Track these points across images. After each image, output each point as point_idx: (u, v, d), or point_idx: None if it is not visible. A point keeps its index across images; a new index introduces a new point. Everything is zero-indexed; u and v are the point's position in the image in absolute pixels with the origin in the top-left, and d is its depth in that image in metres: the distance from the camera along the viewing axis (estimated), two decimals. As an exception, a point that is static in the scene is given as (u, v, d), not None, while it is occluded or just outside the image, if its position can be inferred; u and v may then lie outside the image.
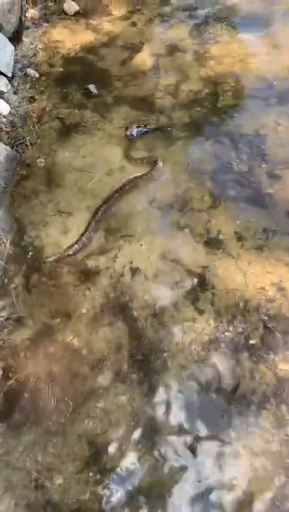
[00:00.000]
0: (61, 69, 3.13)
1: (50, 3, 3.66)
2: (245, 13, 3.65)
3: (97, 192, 2.47)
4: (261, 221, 2.39)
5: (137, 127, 2.77)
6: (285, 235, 2.34)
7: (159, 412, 1.80)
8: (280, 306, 2.08)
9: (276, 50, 3.36)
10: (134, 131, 2.74)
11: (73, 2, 3.65)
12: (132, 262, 2.21)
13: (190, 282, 2.15)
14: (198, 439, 1.73)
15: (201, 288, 2.13)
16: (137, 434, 1.75)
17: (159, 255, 2.23)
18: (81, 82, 3.04)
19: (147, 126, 2.76)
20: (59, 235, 2.28)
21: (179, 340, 1.95)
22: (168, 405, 1.82)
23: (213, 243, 2.30)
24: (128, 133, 2.73)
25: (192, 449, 1.70)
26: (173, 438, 1.73)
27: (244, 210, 2.43)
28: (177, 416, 1.79)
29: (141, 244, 2.27)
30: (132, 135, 2.73)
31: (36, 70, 3.08)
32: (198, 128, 2.83)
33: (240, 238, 2.32)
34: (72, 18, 3.55)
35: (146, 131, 2.74)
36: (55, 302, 2.05)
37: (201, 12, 3.64)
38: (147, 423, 1.78)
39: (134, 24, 3.52)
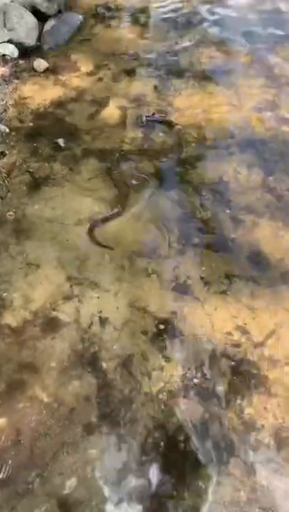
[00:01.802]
0: (31, 124, 3.25)
1: (20, 61, 3.82)
2: (207, 67, 3.89)
3: (67, 243, 2.53)
4: (225, 266, 2.49)
5: (146, 116, 3.24)
6: (248, 280, 2.43)
7: (130, 464, 1.80)
8: (246, 350, 2.14)
9: (237, 101, 3.58)
10: (144, 119, 3.23)
11: (43, 60, 3.83)
12: (100, 312, 2.25)
13: (158, 330, 2.19)
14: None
15: (168, 335, 2.18)
16: (106, 489, 1.74)
17: (127, 304, 2.28)
18: (50, 137, 3.16)
19: (155, 116, 3.21)
20: (28, 288, 2.31)
21: (147, 390, 1.98)
22: (138, 458, 1.82)
23: (180, 289, 2.36)
24: (139, 121, 3.20)
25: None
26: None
27: (209, 256, 2.53)
28: (149, 467, 1.79)
29: (109, 293, 2.31)
30: (143, 122, 3.20)
31: (6, 126, 3.19)
32: (163, 177, 2.96)
33: (206, 283, 2.40)
34: (41, 74, 3.72)
35: (154, 120, 3.20)
36: (23, 356, 2.06)
37: (165, 67, 3.85)
38: (118, 477, 1.77)
39: (101, 79, 3.70)
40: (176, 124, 3.17)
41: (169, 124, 3.25)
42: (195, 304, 2.29)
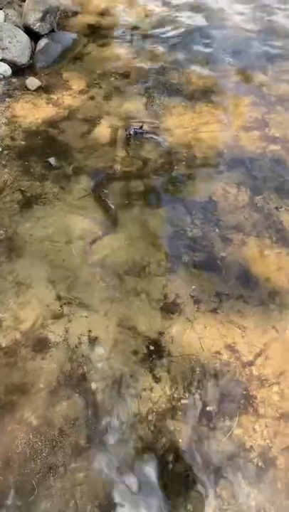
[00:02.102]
0: (23, 142, 3.28)
1: (13, 80, 3.87)
2: (197, 86, 3.96)
3: (58, 262, 2.55)
4: (215, 285, 2.51)
5: (134, 128, 3.39)
6: (237, 298, 2.45)
7: (120, 487, 1.80)
8: (235, 370, 2.16)
9: (225, 119, 3.64)
10: (132, 131, 3.37)
11: (35, 78, 3.88)
12: (90, 331, 2.25)
13: (147, 350, 2.21)
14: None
15: (158, 355, 2.19)
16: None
17: (117, 323, 2.30)
18: (42, 155, 3.19)
19: (142, 129, 3.39)
20: (18, 308, 2.32)
21: (136, 411, 1.99)
22: (127, 480, 1.82)
23: (169, 308, 2.38)
24: (127, 132, 3.37)
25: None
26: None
27: (198, 275, 2.55)
28: (138, 489, 1.79)
29: (98, 313, 2.32)
30: (130, 134, 3.36)
31: (-2, 144, 3.21)
32: (153, 196, 2.99)
33: (195, 302, 2.42)
34: (34, 93, 3.76)
35: (140, 133, 3.38)
36: (12, 378, 2.06)
37: (156, 86, 3.92)
38: (107, 499, 1.77)
39: (92, 98, 3.75)
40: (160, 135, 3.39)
41: (155, 135, 3.43)
42: (184, 323, 2.31)
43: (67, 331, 2.24)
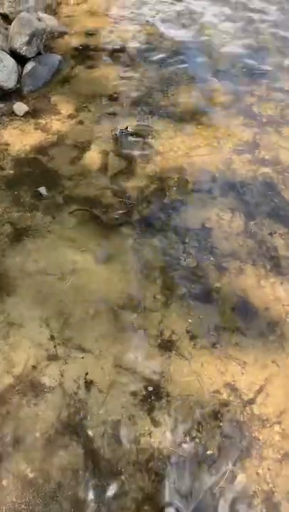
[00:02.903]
0: (11, 171, 3.22)
1: (0, 105, 3.81)
2: (186, 107, 3.94)
3: (50, 298, 2.49)
4: (211, 318, 2.46)
5: (120, 130, 3.57)
6: (234, 332, 2.41)
7: None
8: (235, 410, 2.11)
9: (216, 142, 3.62)
10: (118, 132, 3.55)
11: (23, 103, 3.83)
12: (86, 374, 2.19)
13: (145, 391, 2.15)
14: None
15: (156, 397, 2.13)
16: None
17: (113, 363, 2.24)
18: (32, 184, 3.14)
19: (128, 129, 3.59)
20: (10, 350, 2.25)
21: (135, 458, 1.92)
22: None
23: (166, 345, 2.33)
24: (113, 133, 3.52)
25: None
26: None
27: (195, 307, 2.50)
28: None
29: (94, 353, 2.26)
30: (117, 135, 3.52)
31: (-13, 174, 3.15)
32: (146, 224, 2.95)
33: (192, 337, 2.37)
34: (22, 118, 3.71)
35: (127, 133, 3.55)
36: (6, 427, 1.99)
37: (145, 108, 3.89)
38: None
39: (81, 122, 3.71)
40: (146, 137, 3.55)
41: (140, 136, 3.59)
42: (182, 361, 2.26)
43: (62, 374, 2.17)
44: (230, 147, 3.57)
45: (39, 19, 4.42)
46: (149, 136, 3.57)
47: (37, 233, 2.83)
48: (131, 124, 3.69)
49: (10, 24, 4.44)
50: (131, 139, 3.52)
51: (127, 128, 3.61)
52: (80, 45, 4.72)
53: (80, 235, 2.86)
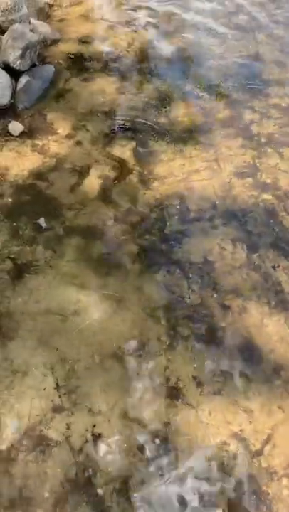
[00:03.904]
0: (10, 199, 3.15)
1: (-5, 124, 3.70)
2: (185, 126, 3.87)
3: (54, 343, 2.45)
4: (217, 361, 2.46)
5: (118, 126, 3.71)
6: (240, 377, 2.41)
7: None
8: (243, 462, 2.12)
9: (216, 165, 3.57)
10: (116, 128, 3.68)
11: (18, 122, 3.73)
12: (93, 426, 2.18)
13: (153, 443, 2.14)
14: None
15: (164, 449, 2.13)
16: None
17: (120, 414, 2.22)
18: (31, 214, 3.07)
19: (125, 125, 3.75)
20: (15, 402, 2.22)
21: (146, 519, 1.92)
22: None
23: (172, 393, 2.32)
24: (112, 128, 3.68)
25: None
26: None
27: (199, 350, 2.49)
28: None
29: (100, 403, 2.24)
30: (114, 130, 3.68)
31: (-16, 203, 3.07)
32: (148, 258, 2.91)
33: (198, 384, 2.36)
34: (17, 139, 3.61)
35: (125, 128, 3.71)
36: (13, 487, 1.97)
37: (143, 127, 3.81)
38: None
39: (79, 143, 3.63)
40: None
41: (136, 130, 3.73)
42: (188, 410, 2.26)
43: (68, 427, 2.15)
44: (230, 170, 3.53)
45: (32, 30, 4.27)
46: (150, 160, 3.50)
47: (38, 269, 2.78)
48: (129, 145, 3.60)
49: (2, 34, 4.29)
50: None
51: (124, 124, 3.73)
52: (74, 54, 4.59)
53: (82, 270, 2.81)
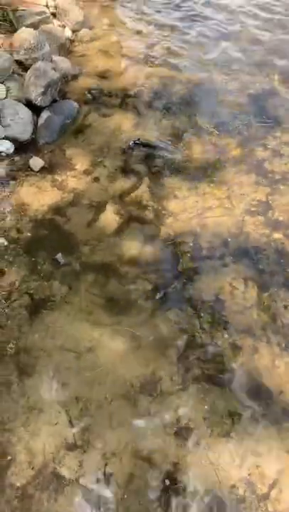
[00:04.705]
0: (29, 234, 3.27)
1: (16, 158, 3.86)
2: (199, 163, 3.99)
3: (68, 380, 2.53)
4: (227, 403, 2.51)
5: (133, 141, 4.01)
6: (250, 418, 2.45)
7: None
8: (251, 506, 2.16)
9: (228, 202, 3.67)
10: (131, 143, 3.99)
11: (38, 158, 3.88)
12: (105, 465, 2.24)
13: (163, 485, 2.20)
14: None
15: (174, 491, 2.18)
16: None
17: (131, 453, 2.29)
18: (49, 249, 3.19)
19: (139, 140, 4.02)
20: (30, 439, 2.30)
21: None
22: None
23: (183, 434, 2.38)
24: (127, 145, 3.99)
25: None
26: None
27: (210, 391, 2.55)
28: None
29: (113, 441, 2.30)
30: (130, 146, 3.99)
31: (5, 238, 3.20)
32: (161, 296, 2.99)
33: (209, 425, 2.42)
34: (38, 174, 3.75)
35: (139, 144, 4.01)
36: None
37: (158, 163, 3.93)
38: None
39: (97, 179, 3.76)
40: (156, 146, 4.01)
41: (150, 146, 4.01)
42: (199, 451, 2.31)
43: (81, 465, 2.22)
44: (243, 208, 3.62)
45: (54, 68, 4.46)
46: (164, 196, 3.61)
47: (54, 305, 2.88)
48: (145, 183, 3.73)
49: (25, 70, 4.49)
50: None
51: (139, 139, 4.00)
52: (93, 89, 4.76)
53: (96, 306, 2.91)
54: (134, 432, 2.35)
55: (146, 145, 4.01)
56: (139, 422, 2.39)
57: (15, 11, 4.90)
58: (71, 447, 2.29)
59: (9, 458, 2.22)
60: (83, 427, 2.36)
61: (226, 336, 2.80)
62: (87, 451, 2.28)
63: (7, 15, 4.85)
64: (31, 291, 2.95)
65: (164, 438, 2.35)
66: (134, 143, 4.01)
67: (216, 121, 4.41)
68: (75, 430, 2.35)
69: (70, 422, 2.38)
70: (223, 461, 2.28)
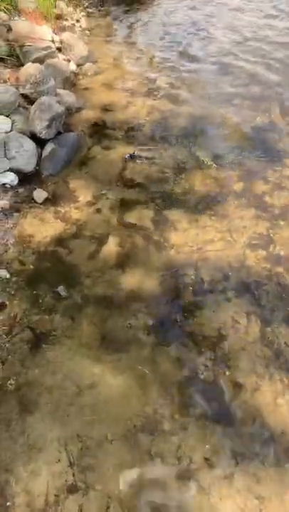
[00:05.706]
0: (31, 266, 3.29)
1: (20, 190, 3.91)
2: (199, 196, 4.04)
3: (69, 418, 2.50)
4: (229, 442, 2.48)
5: (129, 154, 4.31)
6: (252, 458, 2.42)
7: None
8: None
9: (229, 235, 3.70)
10: (127, 156, 4.27)
11: (42, 190, 3.93)
12: (108, 508, 2.19)
13: (164, 530, 2.14)
14: None
15: (175, 536, 2.12)
16: None
17: (132, 495, 2.24)
18: (51, 282, 3.19)
19: (135, 153, 4.33)
20: (30, 479, 2.26)
21: None
22: None
23: (185, 475, 2.34)
24: (124, 157, 4.27)
25: None
26: None
27: (212, 430, 2.52)
28: None
29: (113, 483, 2.26)
30: (127, 158, 4.27)
31: (7, 270, 3.21)
32: (163, 330, 2.98)
33: (210, 466, 2.37)
34: (41, 205, 3.80)
35: (135, 156, 4.31)
36: None
37: (160, 196, 3.98)
38: None
39: (99, 211, 3.80)
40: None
41: (147, 159, 4.27)
42: (200, 493, 2.27)
43: (81, 509, 2.17)
44: (243, 241, 3.65)
45: (59, 102, 4.57)
46: (166, 229, 3.65)
47: (55, 339, 2.88)
48: (146, 214, 3.77)
49: (31, 104, 4.59)
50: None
51: (134, 152, 4.31)
52: (97, 122, 4.87)
53: (97, 341, 2.90)
54: (135, 472, 2.31)
55: (144, 157, 4.30)
56: (140, 464, 2.35)
57: (22, 46, 5.04)
58: (71, 489, 2.27)
59: (8, 504, 2.17)
60: (83, 467, 2.34)
61: (228, 372, 2.79)
62: (87, 494, 2.25)
63: (14, 50, 5.00)
64: (32, 325, 2.94)
65: (166, 480, 2.31)
66: (130, 156, 4.29)
67: (216, 154, 4.48)
68: (74, 471, 2.32)
69: (70, 461, 2.37)
70: (225, 505, 2.25)
